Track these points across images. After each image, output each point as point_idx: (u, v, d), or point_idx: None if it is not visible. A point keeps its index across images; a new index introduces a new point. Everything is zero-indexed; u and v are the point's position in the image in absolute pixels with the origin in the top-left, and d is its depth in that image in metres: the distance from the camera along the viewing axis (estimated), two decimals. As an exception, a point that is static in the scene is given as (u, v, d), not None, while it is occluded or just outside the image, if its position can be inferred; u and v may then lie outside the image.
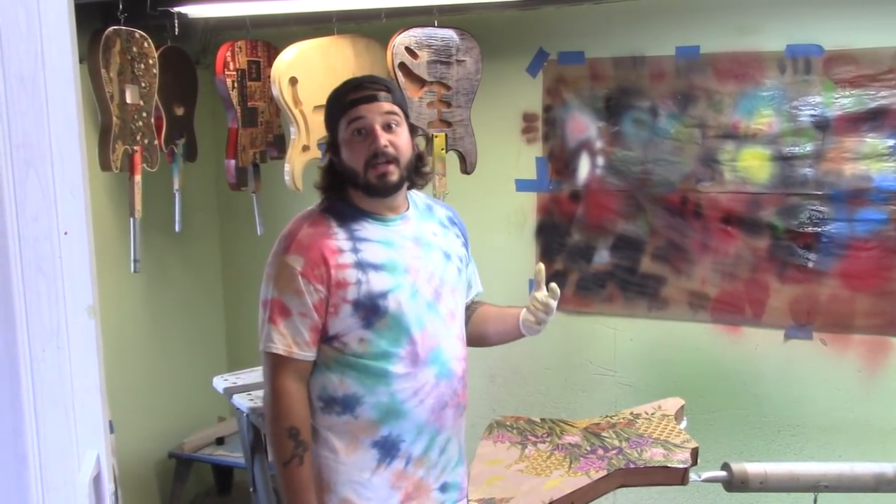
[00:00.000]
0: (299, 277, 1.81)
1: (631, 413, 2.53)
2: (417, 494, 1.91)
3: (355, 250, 1.84)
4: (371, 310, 1.82)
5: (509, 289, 3.43)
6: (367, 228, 1.89)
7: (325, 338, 1.85)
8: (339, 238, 1.85)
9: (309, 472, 1.84)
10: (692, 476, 2.21)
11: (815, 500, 2.27)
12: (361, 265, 1.83)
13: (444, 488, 1.95)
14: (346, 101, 1.87)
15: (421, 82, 2.87)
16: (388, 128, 1.86)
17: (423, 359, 1.86)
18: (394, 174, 1.86)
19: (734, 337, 3.23)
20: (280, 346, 1.82)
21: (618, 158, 3.30)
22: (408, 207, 1.97)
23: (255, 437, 3.01)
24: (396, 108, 1.88)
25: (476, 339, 2.11)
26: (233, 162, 3.21)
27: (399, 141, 1.87)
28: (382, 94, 1.87)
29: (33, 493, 0.84)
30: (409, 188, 1.98)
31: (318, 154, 2.90)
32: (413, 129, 1.95)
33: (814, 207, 3.05)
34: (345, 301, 1.82)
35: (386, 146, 1.84)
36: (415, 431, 1.87)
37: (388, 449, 1.86)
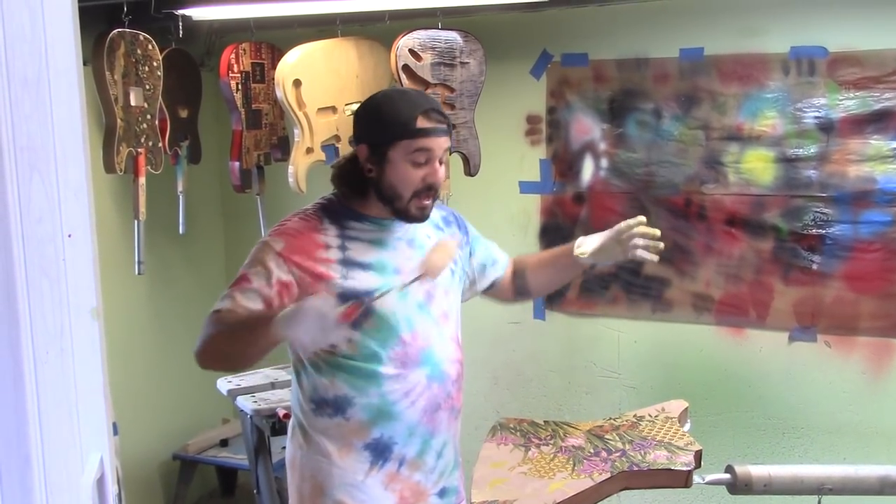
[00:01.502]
0: (274, 255, 1.80)
1: (634, 415, 2.52)
2: (415, 500, 1.91)
3: (343, 248, 1.84)
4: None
5: (513, 291, 3.43)
6: (358, 228, 1.89)
7: None
8: (328, 234, 1.85)
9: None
10: (696, 479, 2.21)
11: (819, 503, 2.26)
12: (346, 263, 1.83)
13: (442, 493, 1.96)
14: (417, 129, 1.81)
15: (424, 84, 2.88)
16: (440, 162, 1.87)
17: (413, 360, 1.86)
18: (431, 207, 1.89)
19: (738, 339, 3.22)
20: (227, 306, 1.78)
21: (621, 160, 3.29)
22: None
23: (259, 438, 3.02)
24: (450, 146, 1.89)
25: (528, 290, 2.23)
26: (237, 164, 3.22)
27: (444, 175, 1.89)
28: (447, 128, 1.87)
29: (37, 495, 0.84)
30: None
31: (322, 156, 2.90)
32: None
33: (818, 209, 3.04)
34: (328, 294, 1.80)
35: (440, 181, 1.86)
36: (406, 433, 1.87)
37: (380, 451, 1.86)
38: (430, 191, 1.84)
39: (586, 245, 2.06)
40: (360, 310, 1.68)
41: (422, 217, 1.87)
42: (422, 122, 1.81)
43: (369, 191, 1.88)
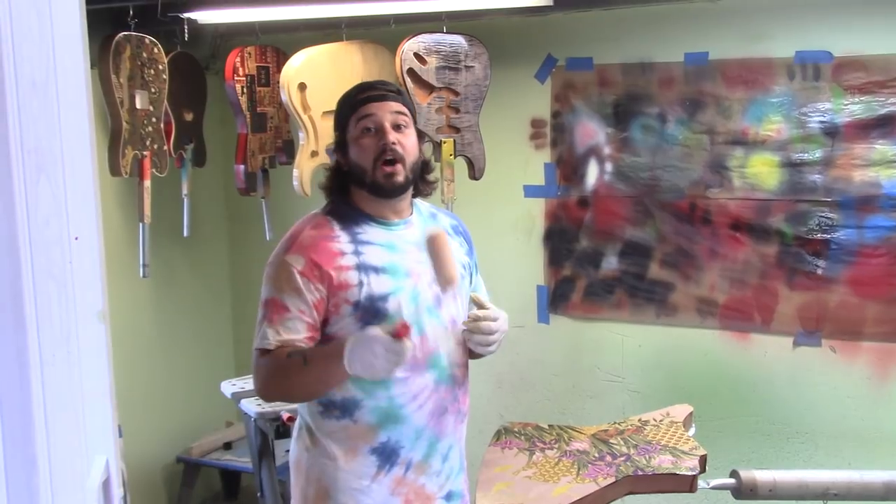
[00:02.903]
0: (298, 276, 1.81)
1: (639, 420, 2.52)
2: None
3: (357, 253, 1.85)
4: (371, 312, 1.82)
5: (517, 295, 3.43)
6: (369, 232, 1.89)
7: (324, 337, 1.85)
8: (341, 241, 1.86)
9: (317, 349, 1.81)
10: (701, 483, 2.21)
11: (825, 509, 2.26)
12: (363, 268, 1.84)
13: (448, 497, 1.95)
14: (357, 100, 1.89)
15: (429, 88, 2.88)
16: (396, 128, 1.87)
17: (422, 363, 1.85)
18: (400, 174, 1.86)
19: (743, 343, 3.22)
20: (273, 342, 1.81)
21: (626, 164, 3.29)
22: (411, 213, 1.97)
23: (263, 441, 3.02)
24: (405, 110, 1.90)
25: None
26: (242, 167, 3.22)
27: (407, 142, 1.88)
28: (392, 94, 1.90)
29: (43, 498, 0.84)
30: (414, 195, 1.98)
31: (327, 159, 2.90)
32: (420, 135, 1.96)
33: (823, 214, 3.04)
34: (346, 302, 1.82)
35: (394, 143, 1.85)
36: (413, 436, 1.86)
37: (387, 455, 1.86)
38: (385, 153, 1.85)
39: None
40: (407, 327, 1.69)
41: (391, 186, 1.87)
42: (363, 94, 1.90)
43: (351, 186, 1.92)
